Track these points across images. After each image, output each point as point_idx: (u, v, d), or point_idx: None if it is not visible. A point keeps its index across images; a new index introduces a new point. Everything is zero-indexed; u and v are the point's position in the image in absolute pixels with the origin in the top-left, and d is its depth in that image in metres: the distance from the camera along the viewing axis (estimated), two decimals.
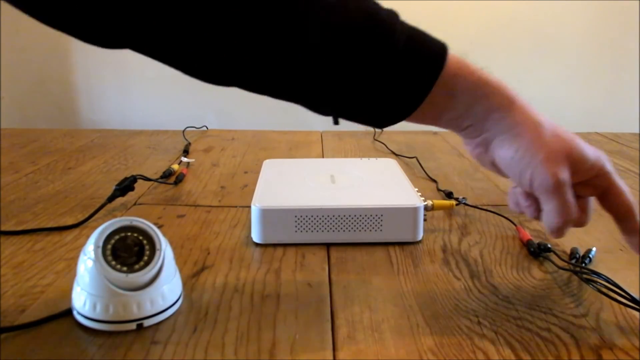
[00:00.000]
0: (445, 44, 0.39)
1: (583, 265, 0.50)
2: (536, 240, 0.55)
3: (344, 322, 0.41)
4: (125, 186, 0.67)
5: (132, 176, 0.68)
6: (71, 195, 0.71)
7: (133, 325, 0.39)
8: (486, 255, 0.53)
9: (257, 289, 0.46)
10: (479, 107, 0.39)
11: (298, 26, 0.36)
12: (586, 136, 1.16)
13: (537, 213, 0.41)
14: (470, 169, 0.87)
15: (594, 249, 0.53)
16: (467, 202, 0.67)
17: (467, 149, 0.44)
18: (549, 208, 0.38)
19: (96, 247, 0.39)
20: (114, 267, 0.39)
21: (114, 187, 0.66)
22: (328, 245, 0.55)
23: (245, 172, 0.84)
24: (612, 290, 0.43)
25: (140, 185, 0.72)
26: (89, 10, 0.36)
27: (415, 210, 0.55)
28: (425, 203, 0.59)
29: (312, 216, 0.54)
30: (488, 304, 0.44)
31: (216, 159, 0.93)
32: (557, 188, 0.37)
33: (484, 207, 0.66)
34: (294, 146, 1.04)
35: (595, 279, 0.45)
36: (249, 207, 0.55)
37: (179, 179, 0.78)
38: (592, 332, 0.40)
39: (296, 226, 0.54)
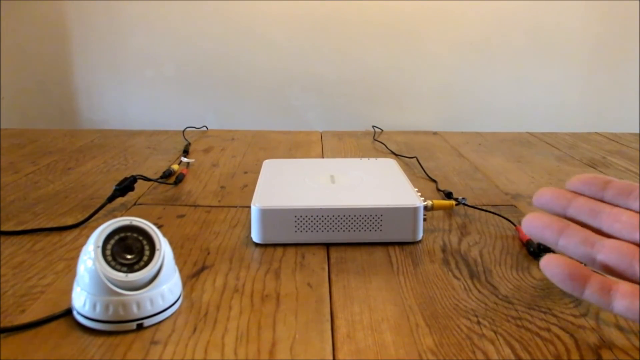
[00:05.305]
0: None
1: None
2: (536, 241, 0.55)
3: (344, 322, 0.41)
4: (125, 186, 0.67)
5: (132, 176, 0.68)
6: (71, 195, 0.71)
7: (133, 325, 0.39)
8: (486, 255, 0.53)
9: (257, 289, 0.46)
10: None
11: None
12: (586, 136, 1.16)
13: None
14: (470, 169, 0.87)
15: None
16: (467, 202, 0.67)
17: None
18: None
19: (96, 247, 0.39)
20: (113, 267, 0.39)
21: (114, 187, 0.66)
22: (328, 245, 0.55)
23: (245, 172, 0.84)
24: None
25: (140, 186, 0.72)
26: None
27: (415, 210, 0.55)
28: (425, 203, 0.59)
29: (312, 216, 0.54)
30: (488, 304, 0.44)
31: (216, 159, 0.93)
32: None
33: (484, 208, 0.67)
34: (294, 146, 1.04)
35: None
36: (249, 207, 0.55)
37: (179, 179, 0.78)
38: (591, 332, 0.40)
39: (296, 226, 0.54)
